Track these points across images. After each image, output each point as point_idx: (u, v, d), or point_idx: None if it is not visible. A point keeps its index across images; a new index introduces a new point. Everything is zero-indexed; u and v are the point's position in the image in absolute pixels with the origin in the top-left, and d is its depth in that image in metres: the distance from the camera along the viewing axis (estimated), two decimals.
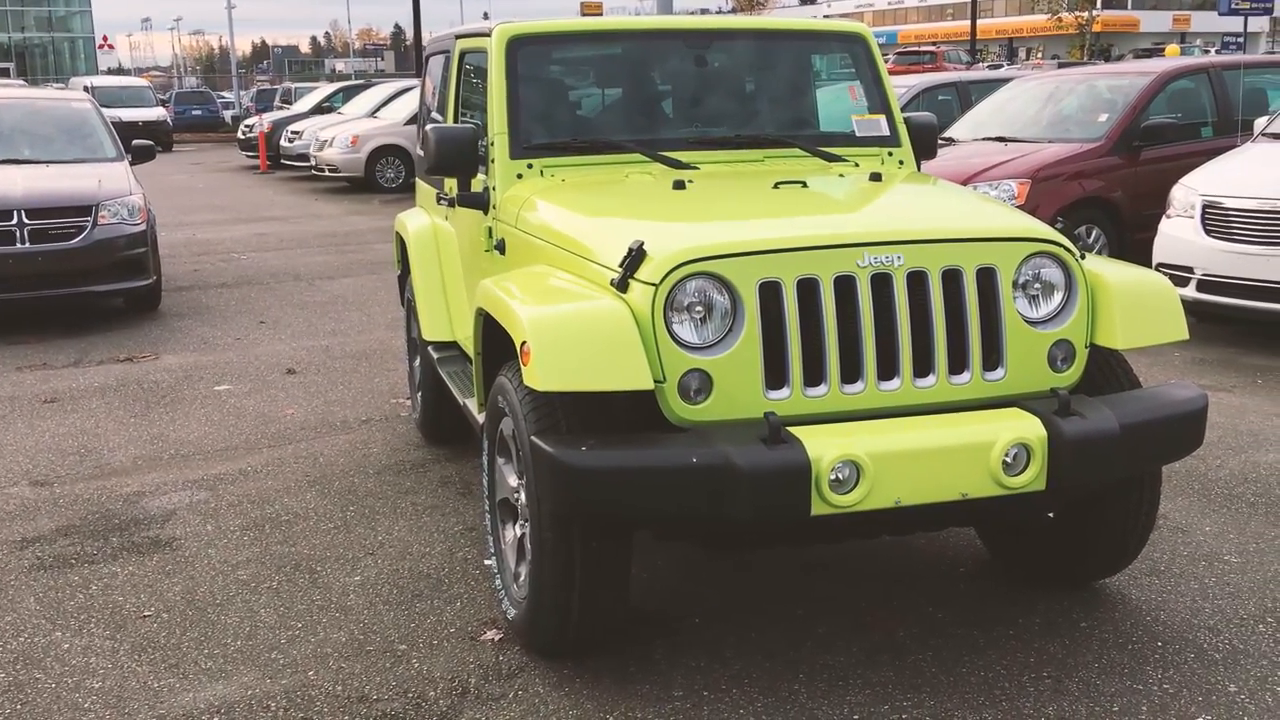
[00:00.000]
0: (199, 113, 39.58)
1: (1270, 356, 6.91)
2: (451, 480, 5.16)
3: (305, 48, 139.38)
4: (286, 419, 6.24)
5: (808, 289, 3.18)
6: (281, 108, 29.10)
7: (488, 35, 4.40)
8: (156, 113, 30.49)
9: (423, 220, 5.47)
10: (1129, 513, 3.61)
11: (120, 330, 8.70)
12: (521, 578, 3.56)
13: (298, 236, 14.15)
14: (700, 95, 4.57)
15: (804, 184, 3.84)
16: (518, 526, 3.60)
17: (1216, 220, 7.26)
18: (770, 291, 3.16)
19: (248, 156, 25.88)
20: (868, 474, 2.99)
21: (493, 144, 4.23)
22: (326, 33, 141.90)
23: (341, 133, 19.06)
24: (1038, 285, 3.39)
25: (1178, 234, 7.51)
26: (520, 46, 4.32)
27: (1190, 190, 7.55)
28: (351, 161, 18.70)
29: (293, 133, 21.67)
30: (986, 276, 3.30)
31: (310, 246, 13.28)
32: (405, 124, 18.60)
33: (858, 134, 4.53)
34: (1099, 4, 51.89)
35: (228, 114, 41.72)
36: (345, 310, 9.39)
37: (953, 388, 3.28)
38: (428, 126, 4.20)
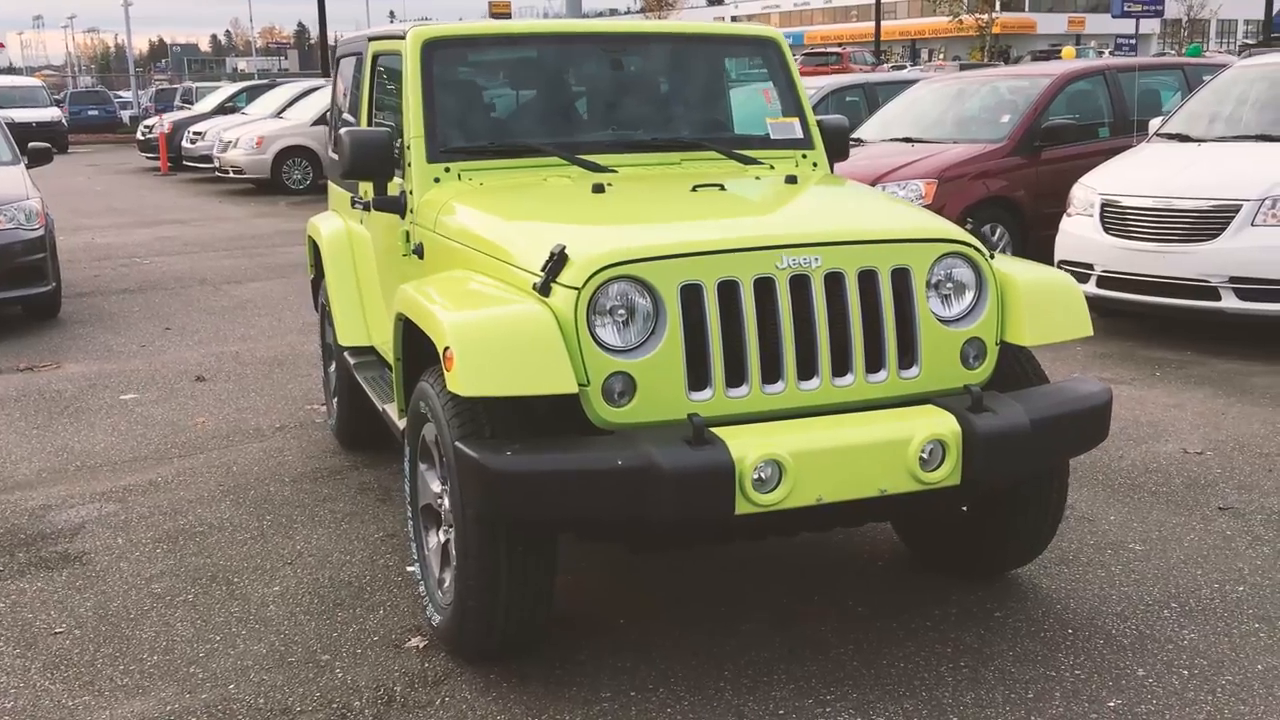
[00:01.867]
0: (95, 113, 38.56)
1: (1166, 349, 7.15)
2: (370, 487, 5.11)
3: (205, 46, 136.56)
4: (197, 428, 6.12)
5: (728, 291, 3.22)
6: (182, 108, 28.50)
7: (402, 38, 4.38)
8: (51, 113, 29.63)
9: (336, 224, 5.41)
10: (1039, 505, 3.71)
11: (19, 339, 8.46)
12: (446, 584, 3.54)
13: (202, 240, 13.87)
14: (617, 99, 4.59)
15: (721, 187, 3.88)
16: (441, 532, 3.58)
17: (1114, 218, 7.48)
18: (691, 294, 3.20)
19: (148, 158, 25.30)
20: (790, 472, 3.03)
21: (409, 148, 4.21)
22: (227, 31, 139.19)
23: (246, 133, 18.73)
24: (949, 285, 3.47)
25: (1078, 232, 7.73)
26: (435, 49, 4.29)
27: (1089, 189, 7.78)
28: (257, 163, 18.40)
29: (195, 133, 21.25)
30: (901, 277, 3.37)
31: (216, 250, 13.03)
32: (312, 124, 18.38)
33: (772, 137, 4.59)
34: (997, 6, 53.05)
35: (125, 114, 40.71)
36: (254, 315, 9.24)
37: (870, 386, 3.34)
38: (342, 129, 4.16)
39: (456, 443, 3.10)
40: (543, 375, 3.05)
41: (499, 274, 3.48)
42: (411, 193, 4.18)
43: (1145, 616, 3.70)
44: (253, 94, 23.83)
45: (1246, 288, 6.87)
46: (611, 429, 3.17)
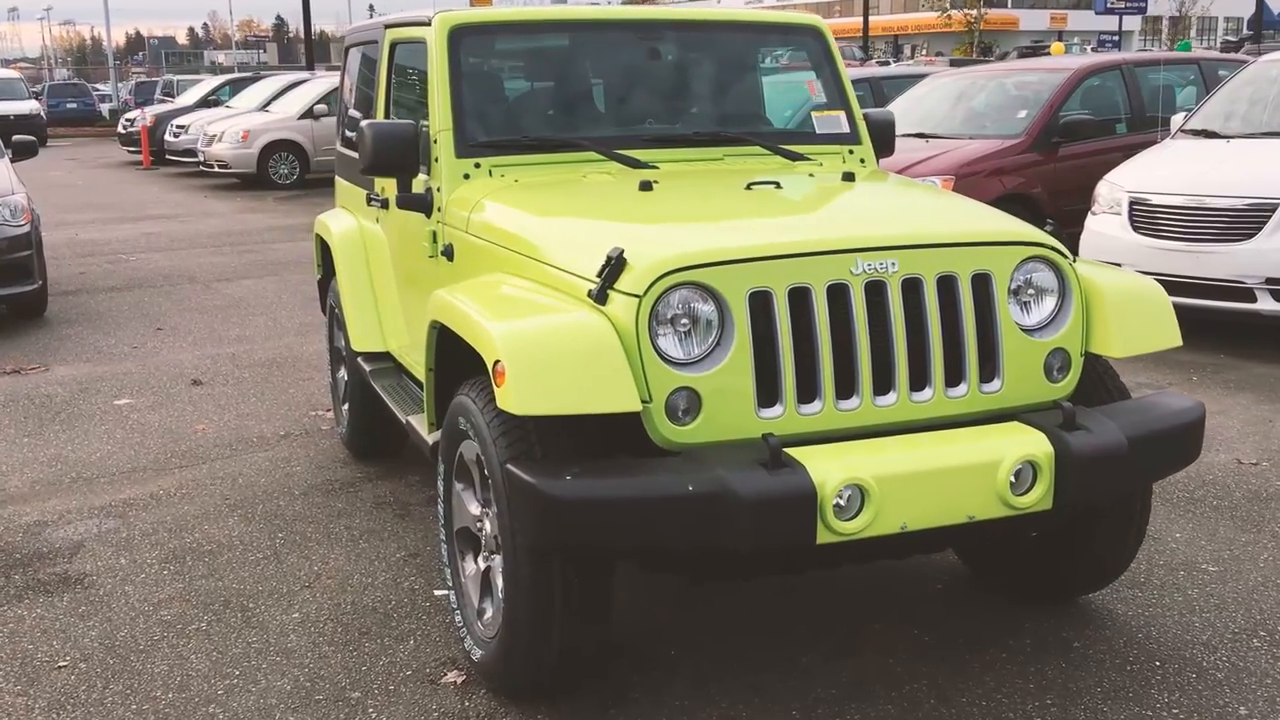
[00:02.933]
0: (74, 106, 38.01)
1: (1200, 353, 6.93)
2: (386, 501, 4.83)
3: (183, 39, 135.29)
4: (197, 436, 5.82)
5: (798, 299, 2.97)
6: (163, 101, 28.04)
7: (426, 25, 4.09)
8: (29, 106, 29.11)
9: (348, 222, 5.12)
10: (1122, 524, 3.47)
11: (4, 340, 8.12)
12: (487, 614, 3.28)
13: (189, 236, 13.53)
14: (654, 90, 4.31)
15: (777, 184, 3.61)
16: (480, 559, 3.31)
17: (1143, 217, 7.25)
18: (759, 302, 2.94)
19: (129, 152, 24.87)
20: (873, 498, 2.77)
21: (436, 142, 3.93)
22: (205, 24, 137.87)
23: (231, 127, 18.35)
24: (1030, 291, 3.22)
25: (1105, 230, 7.50)
26: (463, 37, 4.01)
27: (1116, 187, 7.55)
28: (243, 157, 18.03)
29: (178, 127, 20.85)
30: (981, 282, 3.12)
31: (204, 246, 12.69)
32: (299, 118, 18.05)
33: (818, 131, 4.33)
34: (982, 2, 52.91)
35: (105, 107, 40.13)
36: (249, 315, 8.93)
37: (949, 401, 3.09)
38: (363, 123, 3.87)
39: (508, 465, 2.82)
40: (604, 392, 2.78)
41: (544, 279, 3.20)
42: (439, 190, 3.90)
43: (1234, 647, 3.45)
44: (236, 87, 23.41)
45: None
46: (675, 449, 2.90)
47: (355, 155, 5.14)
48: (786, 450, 2.80)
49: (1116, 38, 49.75)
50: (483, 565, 3.30)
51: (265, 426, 5.94)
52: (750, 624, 3.65)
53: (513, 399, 2.77)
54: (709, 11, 4.38)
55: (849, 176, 3.76)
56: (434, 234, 3.96)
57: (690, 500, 2.70)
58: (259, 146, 18.01)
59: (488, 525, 3.24)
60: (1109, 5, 48.72)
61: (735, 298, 2.91)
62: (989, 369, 3.13)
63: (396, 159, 3.88)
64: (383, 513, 4.70)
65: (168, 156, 21.31)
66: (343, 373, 5.49)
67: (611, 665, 3.37)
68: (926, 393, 3.07)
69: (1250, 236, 6.74)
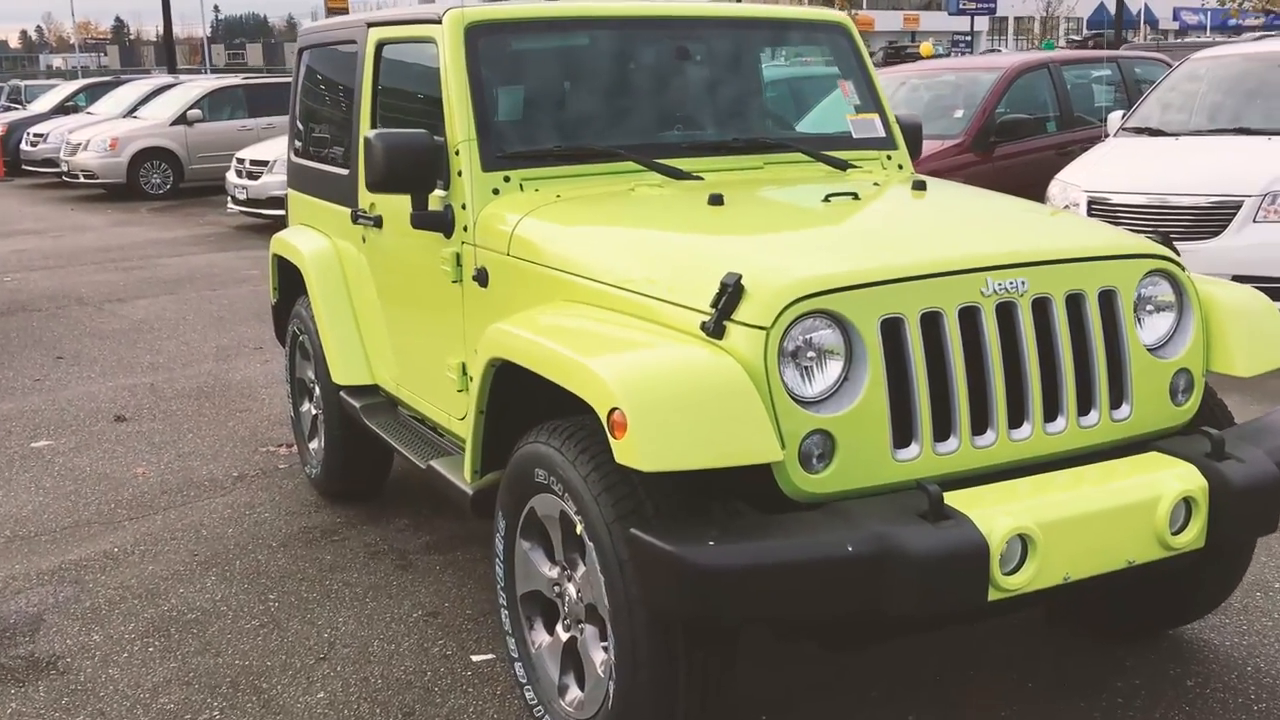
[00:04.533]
0: None
1: None
2: (380, 550, 4.36)
3: (15, 42, 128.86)
4: (138, 481, 5.24)
5: (929, 325, 2.66)
6: (11, 107, 26.41)
7: (434, 23, 3.66)
8: None
9: (320, 243, 4.62)
10: (1238, 560, 3.25)
11: None
12: (572, 691, 2.89)
13: (66, 252, 12.61)
14: (685, 92, 3.96)
15: (855, 196, 3.30)
16: (560, 627, 2.92)
17: (1104, 216, 7.16)
18: (889, 330, 2.62)
19: None
20: (1038, 549, 2.48)
21: (457, 154, 3.50)
22: (39, 26, 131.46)
23: (97, 135, 17.26)
24: (1149, 307, 2.98)
25: None
26: (481, 36, 3.59)
27: (1071, 186, 7.47)
28: (111, 166, 16.97)
29: (36, 135, 19.59)
30: (1106, 300, 2.87)
31: (84, 264, 11.82)
32: (172, 124, 17.08)
33: (855, 135, 4.03)
34: (849, 4, 53.74)
35: None
36: (156, 339, 8.25)
37: (1082, 432, 2.83)
38: (372, 133, 3.42)
39: (636, 531, 2.44)
40: (742, 441, 2.43)
41: (632, 309, 2.82)
42: (465, 207, 3.48)
43: None
44: (95, 92, 22.13)
45: (1251, 286, 6.62)
46: (808, 501, 2.56)
47: (322, 168, 4.68)
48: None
49: (969, 38, 51.13)
50: (564, 635, 2.91)
51: (213, 467, 5.39)
52: (842, 680, 3.33)
53: (638, 453, 2.39)
54: (738, 7, 4.04)
55: (920, 185, 3.47)
56: (457, 256, 3.53)
57: (851, 563, 2.37)
58: (129, 155, 16.97)
59: (571, 590, 2.85)
60: (961, 6, 50.11)
61: (866, 326, 2.59)
62: (1116, 394, 2.88)
63: (411, 173, 3.45)
64: (381, 564, 4.23)
65: (24, 167, 20.00)
66: (308, 406, 4.99)
67: None
68: (1059, 423, 2.80)
69: (1216, 234, 6.71)
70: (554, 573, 2.93)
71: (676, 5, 3.92)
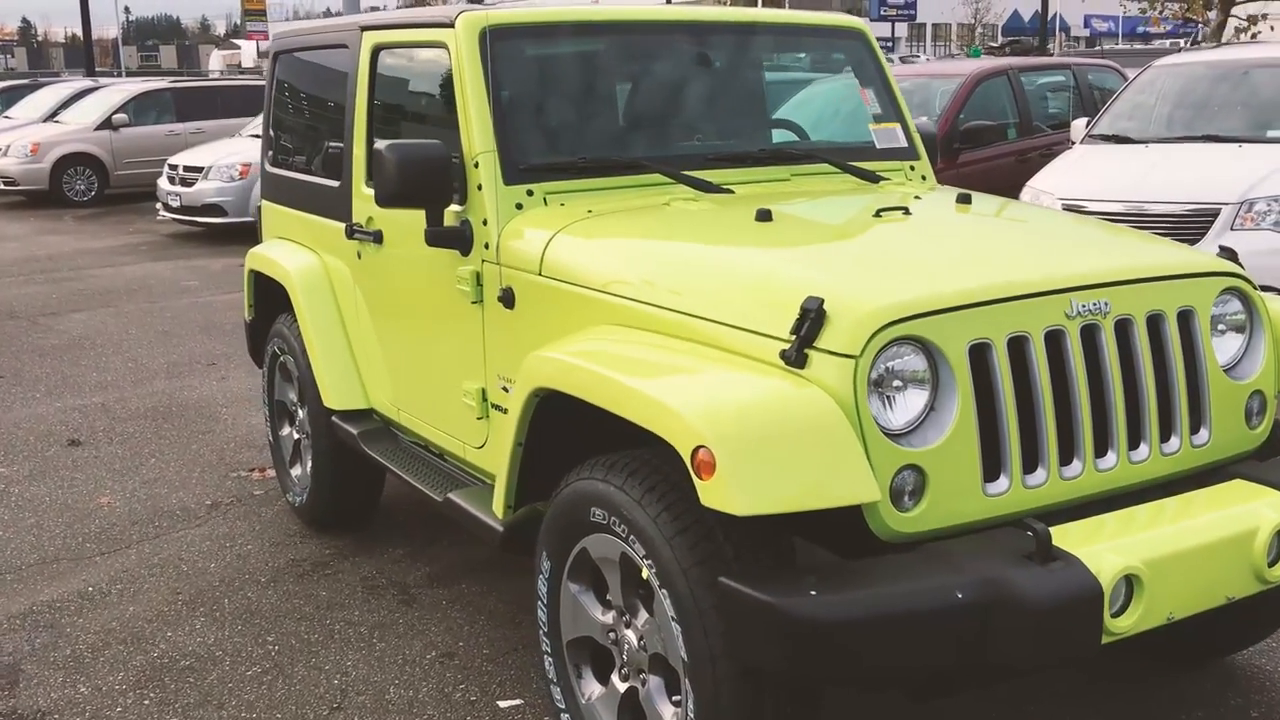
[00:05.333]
0: None
1: None
2: (378, 584, 4.12)
3: None
4: (104, 512, 4.92)
5: (1015, 350, 2.51)
6: None
7: (446, 26, 3.43)
8: None
9: (306, 259, 4.36)
10: None
11: None
12: None
13: None
14: (707, 99, 3.78)
15: (905, 210, 3.14)
16: (618, 677, 2.72)
17: None
18: (976, 355, 2.47)
19: None
20: (1144, 589, 2.34)
21: (476, 166, 3.28)
22: None
23: (18, 140, 16.59)
24: (1221, 327, 2.87)
25: None
26: (498, 41, 3.38)
27: (1043, 194, 7.41)
28: (33, 173, 16.32)
29: None
30: (1184, 320, 2.75)
31: (10, 275, 11.30)
32: (96, 129, 16.49)
33: (878, 145, 3.89)
34: (760, 4, 54.06)
35: None
36: (100, 356, 7.86)
37: (1164, 459, 2.71)
38: (382, 144, 3.19)
39: (727, 580, 2.25)
40: (840, 482, 2.26)
41: (689, 334, 2.64)
42: (485, 223, 3.26)
43: None
44: (11, 96, 21.34)
45: None
46: (898, 541, 2.40)
47: (306, 179, 4.43)
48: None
49: (890, 44, 51.68)
50: (622, 686, 2.71)
51: (184, 495, 5.08)
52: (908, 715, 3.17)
53: (730, 496, 2.20)
54: (756, 12, 3.87)
55: (965, 199, 3.32)
56: (477, 275, 3.31)
57: (962, 612, 2.20)
58: (51, 161, 16.33)
59: (631, 637, 2.65)
60: (883, 12, 50.67)
61: (955, 351, 2.44)
62: (1195, 419, 2.76)
63: (428, 187, 3.23)
64: (382, 600, 3.99)
65: None
66: (289, 430, 4.72)
67: None
68: (1142, 450, 2.68)
69: (1193, 242, 6.68)
70: (608, 618, 2.73)
71: (696, 11, 3.73)
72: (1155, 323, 2.71)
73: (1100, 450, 2.62)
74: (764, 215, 3.00)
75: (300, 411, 4.55)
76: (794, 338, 2.40)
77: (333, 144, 4.18)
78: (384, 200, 3.27)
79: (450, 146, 3.31)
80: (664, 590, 2.43)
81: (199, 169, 13.02)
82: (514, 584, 4.03)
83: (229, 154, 13.14)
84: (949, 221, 3.17)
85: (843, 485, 2.26)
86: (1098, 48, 42.60)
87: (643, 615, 2.61)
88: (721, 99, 3.80)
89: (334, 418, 4.18)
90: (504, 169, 3.27)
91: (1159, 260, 2.79)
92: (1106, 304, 2.63)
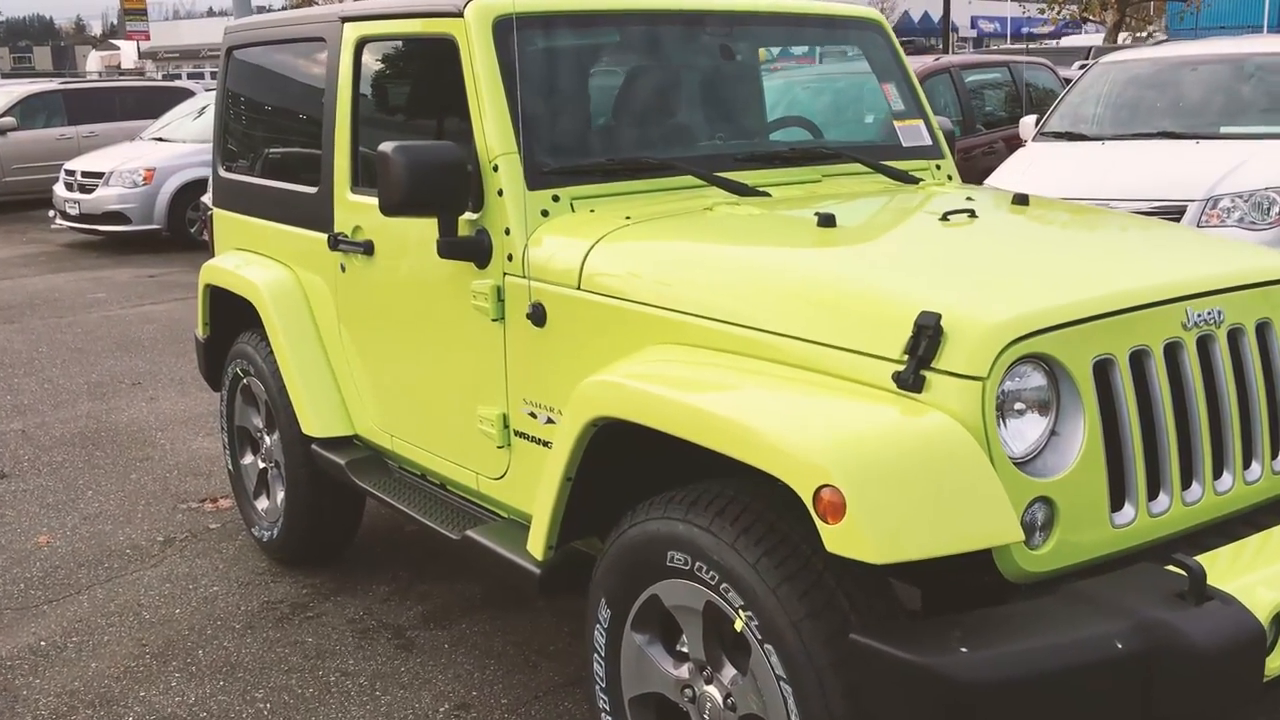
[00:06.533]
0: None
1: None
2: (367, 627, 3.76)
3: None
4: (45, 553, 4.47)
5: (1136, 365, 2.30)
6: None
7: (454, 16, 3.10)
8: None
9: (275, 273, 3.97)
10: None
11: None
12: None
13: None
14: (732, 96, 3.51)
15: (971, 214, 2.91)
16: None
17: None
18: (1099, 373, 2.25)
19: None
20: None
21: (495, 169, 2.97)
22: None
23: None
24: None
25: None
26: (513, 32, 3.05)
27: None
28: None
29: None
30: None
31: None
32: None
33: (904, 144, 3.66)
34: None
35: None
36: (10, 376, 7.29)
37: (1275, 478, 2.51)
38: (390, 147, 2.85)
39: (861, 637, 1.98)
40: (982, 522, 2.02)
41: (771, 354, 2.37)
42: (507, 232, 2.95)
43: None
44: None
45: None
46: (1028, 581, 2.16)
47: (274, 185, 4.06)
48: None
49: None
50: None
51: (131, 531, 4.65)
52: None
53: (864, 542, 1.94)
54: (781, 2, 3.61)
55: (1022, 199, 3.11)
56: (498, 290, 2.99)
57: (1124, 663, 1.97)
58: None
59: (715, 695, 2.37)
60: None
61: (1080, 369, 2.21)
62: None
63: (442, 192, 2.91)
64: (377, 646, 3.64)
65: None
66: (253, 459, 4.33)
67: None
68: (1255, 470, 2.48)
69: None
70: (682, 672, 2.44)
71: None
72: (1263, 332, 2.52)
73: (1216, 471, 2.42)
74: (827, 220, 2.73)
75: (267, 439, 4.17)
76: (908, 358, 2.15)
77: (303, 148, 3.82)
78: (391, 208, 2.93)
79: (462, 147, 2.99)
80: (768, 645, 2.15)
81: (99, 175, 12.35)
82: (519, 622, 3.71)
83: (132, 158, 12.49)
84: (1024, 225, 2.94)
85: (985, 525, 2.01)
86: (984, 48, 43.45)
87: (729, 671, 2.33)
88: (743, 95, 3.54)
89: (314, 446, 3.82)
90: (527, 172, 2.95)
91: (1261, 264, 2.60)
92: (1220, 313, 2.43)
